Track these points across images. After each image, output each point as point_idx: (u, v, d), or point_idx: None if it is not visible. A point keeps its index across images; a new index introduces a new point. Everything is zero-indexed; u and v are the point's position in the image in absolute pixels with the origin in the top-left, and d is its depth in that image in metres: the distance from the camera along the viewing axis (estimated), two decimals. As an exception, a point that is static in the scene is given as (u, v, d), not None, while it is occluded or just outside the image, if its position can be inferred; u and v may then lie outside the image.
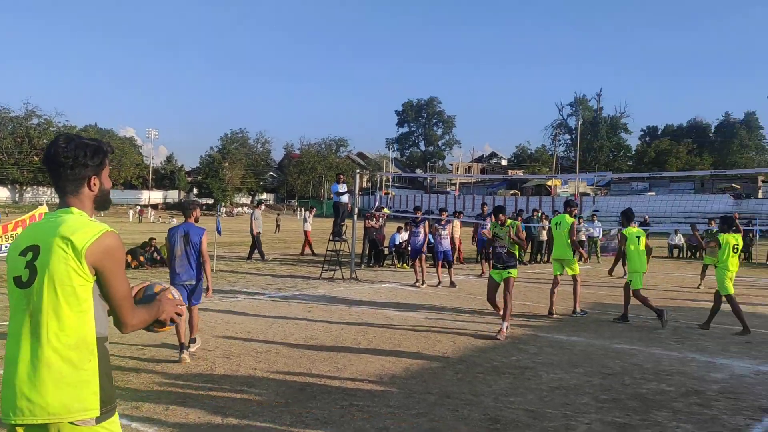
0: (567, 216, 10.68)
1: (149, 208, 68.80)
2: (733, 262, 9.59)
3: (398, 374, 6.58)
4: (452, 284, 14.07)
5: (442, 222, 14.79)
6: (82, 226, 2.22)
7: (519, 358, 7.44)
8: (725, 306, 9.34)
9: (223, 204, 77.08)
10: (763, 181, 58.44)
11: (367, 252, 18.70)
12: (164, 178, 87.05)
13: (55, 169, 2.29)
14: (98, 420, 2.19)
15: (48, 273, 2.17)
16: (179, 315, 2.52)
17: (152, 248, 16.94)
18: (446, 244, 14.42)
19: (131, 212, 57.18)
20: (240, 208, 80.00)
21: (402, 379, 6.39)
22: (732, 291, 9.52)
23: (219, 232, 17.11)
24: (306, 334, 8.57)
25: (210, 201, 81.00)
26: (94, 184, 2.35)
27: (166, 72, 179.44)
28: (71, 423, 2.15)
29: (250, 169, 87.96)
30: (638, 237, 10.14)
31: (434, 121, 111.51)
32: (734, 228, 10.27)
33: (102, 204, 2.40)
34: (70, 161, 2.27)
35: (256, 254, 19.07)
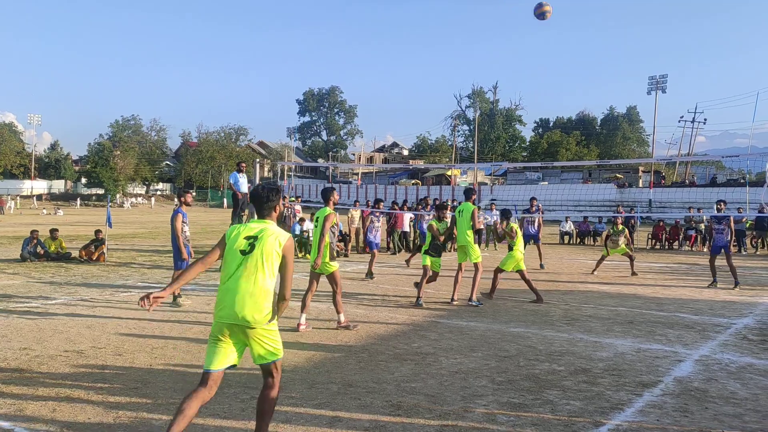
0: (469, 204, 10.96)
1: (17, 198, 64.45)
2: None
3: (300, 365, 6.54)
4: (369, 274, 13.82)
5: (377, 213, 15.29)
6: (281, 232, 4.10)
7: (420, 344, 7.58)
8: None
9: (115, 194, 73.45)
10: (643, 171, 62.61)
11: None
12: (48, 167, 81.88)
13: (259, 202, 4.17)
14: (268, 323, 4.00)
15: (263, 249, 3.98)
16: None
17: (35, 241, 15.89)
18: (377, 234, 15.29)
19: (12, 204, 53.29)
20: (134, 199, 76.39)
21: (304, 370, 6.35)
22: (510, 269, 11.15)
23: (110, 225, 16.32)
24: (205, 327, 8.32)
25: (100, 191, 76.95)
26: (277, 208, 4.22)
27: (48, 54, 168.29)
28: (258, 328, 3.95)
29: (145, 158, 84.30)
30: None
31: (336, 110, 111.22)
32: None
33: (281, 220, 3.40)
34: (266, 197, 4.17)
35: None
